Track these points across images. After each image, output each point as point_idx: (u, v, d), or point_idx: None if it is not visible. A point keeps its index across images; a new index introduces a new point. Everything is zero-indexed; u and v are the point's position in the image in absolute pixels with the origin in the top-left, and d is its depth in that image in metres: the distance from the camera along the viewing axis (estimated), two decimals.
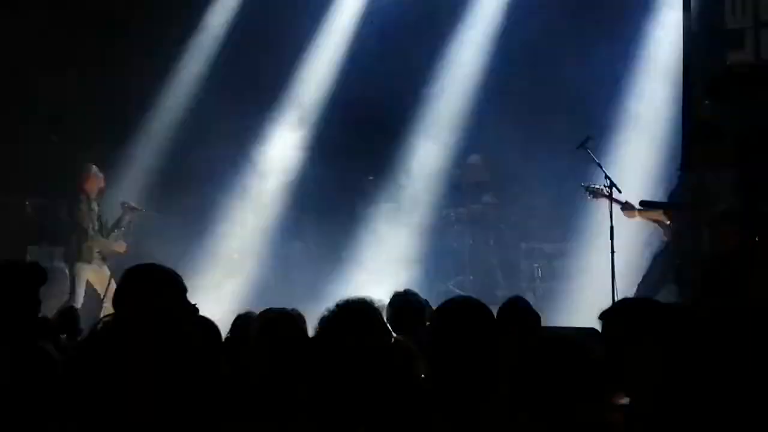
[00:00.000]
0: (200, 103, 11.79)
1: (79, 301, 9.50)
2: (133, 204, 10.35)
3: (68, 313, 6.46)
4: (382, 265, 10.59)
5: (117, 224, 10.19)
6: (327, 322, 3.46)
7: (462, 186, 11.09)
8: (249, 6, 11.87)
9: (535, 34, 10.59)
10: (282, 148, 11.79)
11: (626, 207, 8.57)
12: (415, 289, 6.28)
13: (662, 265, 8.20)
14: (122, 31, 11.63)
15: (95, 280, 9.90)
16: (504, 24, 11.16)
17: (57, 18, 11.80)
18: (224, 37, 12.00)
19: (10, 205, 10.98)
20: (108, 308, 9.23)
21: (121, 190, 11.04)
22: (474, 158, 11.15)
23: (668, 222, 8.36)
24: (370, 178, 11.44)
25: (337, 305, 3.62)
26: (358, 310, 3.41)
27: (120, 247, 10.09)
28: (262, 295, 10.16)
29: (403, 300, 5.26)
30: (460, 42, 11.50)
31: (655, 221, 8.60)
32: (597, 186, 8.76)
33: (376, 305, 3.58)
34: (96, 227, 10.01)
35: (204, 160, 11.44)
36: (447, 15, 11.57)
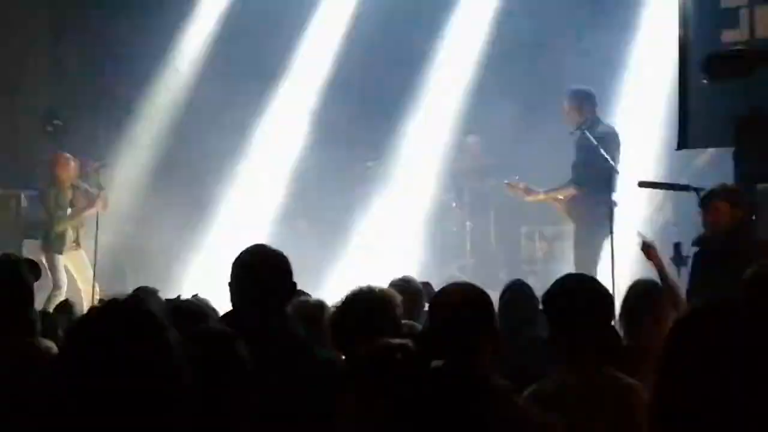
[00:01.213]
0: (198, 89, 11.76)
1: (63, 290, 9.51)
2: (96, 163, 10.10)
3: (64, 306, 6.44)
4: (383, 251, 10.58)
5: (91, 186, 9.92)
6: (341, 311, 3.48)
7: (461, 170, 11.07)
8: None
9: (533, 15, 10.58)
10: (281, 133, 11.76)
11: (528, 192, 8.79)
12: (418, 275, 6.30)
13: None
14: (119, 19, 11.63)
15: (73, 266, 9.82)
16: (502, 6, 11.13)
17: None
18: (222, 21, 11.97)
19: (6, 199, 10.94)
20: (86, 290, 9.35)
21: (118, 180, 11.05)
22: (472, 139, 11.14)
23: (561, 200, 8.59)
24: (369, 164, 11.42)
25: (352, 294, 3.62)
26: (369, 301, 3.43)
27: (91, 206, 9.75)
28: None
29: (400, 287, 5.30)
30: (458, 24, 11.49)
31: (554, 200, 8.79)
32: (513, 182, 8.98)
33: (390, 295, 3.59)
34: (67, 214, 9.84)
35: (202, 148, 11.43)
36: None
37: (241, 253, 3.56)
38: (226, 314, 3.61)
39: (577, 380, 3.15)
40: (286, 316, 3.51)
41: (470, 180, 11.08)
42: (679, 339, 1.80)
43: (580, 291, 3.36)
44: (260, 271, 3.47)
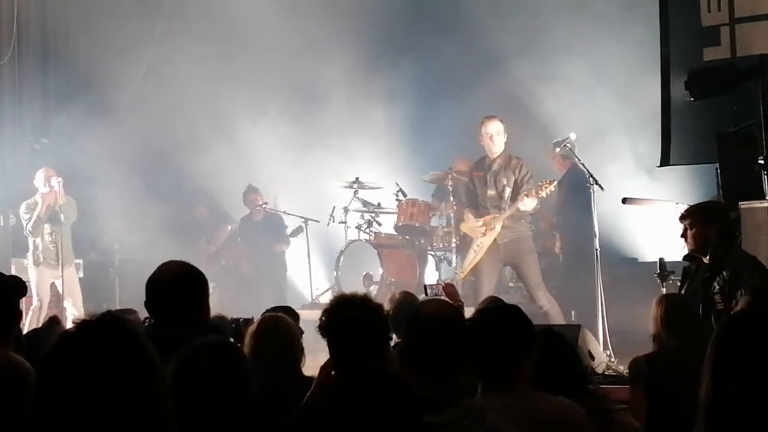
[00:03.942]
0: (184, 104, 11.80)
1: (43, 307, 9.62)
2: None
3: (51, 322, 6.43)
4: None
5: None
6: (329, 316, 3.43)
7: (448, 187, 11.04)
8: None
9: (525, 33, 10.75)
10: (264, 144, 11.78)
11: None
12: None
13: None
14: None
15: (60, 284, 9.83)
16: (491, 25, 11.22)
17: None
18: None
19: None
20: (67, 308, 9.38)
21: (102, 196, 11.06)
22: (459, 161, 11.12)
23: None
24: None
25: (338, 300, 3.61)
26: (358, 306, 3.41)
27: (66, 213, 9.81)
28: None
29: (404, 303, 5.41)
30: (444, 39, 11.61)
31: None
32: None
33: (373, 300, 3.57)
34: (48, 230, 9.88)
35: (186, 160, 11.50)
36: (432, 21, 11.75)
37: (154, 272, 3.68)
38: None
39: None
40: (202, 328, 3.52)
41: (456, 196, 11.07)
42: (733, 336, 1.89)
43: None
44: (170, 286, 3.60)
